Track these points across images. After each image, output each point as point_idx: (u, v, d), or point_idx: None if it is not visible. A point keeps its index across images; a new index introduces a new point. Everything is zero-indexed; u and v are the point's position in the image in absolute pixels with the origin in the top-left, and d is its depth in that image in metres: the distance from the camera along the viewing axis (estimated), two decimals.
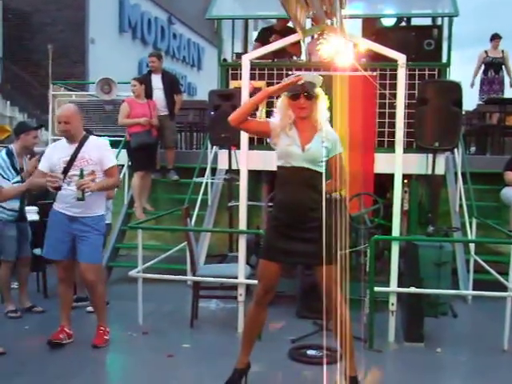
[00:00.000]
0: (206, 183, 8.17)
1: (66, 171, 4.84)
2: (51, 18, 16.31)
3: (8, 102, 15.12)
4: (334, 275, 3.86)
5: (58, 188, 4.73)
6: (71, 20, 16.48)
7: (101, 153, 4.96)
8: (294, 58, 7.95)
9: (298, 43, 7.73)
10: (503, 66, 10.92)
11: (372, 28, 8.12)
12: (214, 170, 8.23)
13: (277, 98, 4.09)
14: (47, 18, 16.30)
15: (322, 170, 3.91)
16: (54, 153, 5.00)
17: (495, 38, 10.94)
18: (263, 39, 8.16)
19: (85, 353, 4.94)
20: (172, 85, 8.90)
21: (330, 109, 4.10)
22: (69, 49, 16.20)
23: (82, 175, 4.74)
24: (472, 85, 11.05)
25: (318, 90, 3.95)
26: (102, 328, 5.16)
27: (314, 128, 3.96)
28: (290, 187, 3.91)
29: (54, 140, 9.53)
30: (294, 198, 3.88)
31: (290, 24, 7.84)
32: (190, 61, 23.71)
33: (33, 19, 16.35)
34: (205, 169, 8.26)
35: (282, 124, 3.94)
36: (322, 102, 3.96)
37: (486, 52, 10.94)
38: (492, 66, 10.89)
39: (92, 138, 5.06)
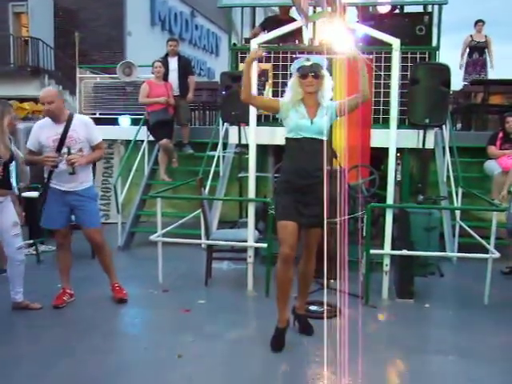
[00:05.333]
0: (218, 156, 8.16)
1: (58, 150, 4.74)
2: (95, 15, 16.89)
3: (60, 87, 15.47)
4: (318, 236, 4.10)
5: (56, 166, 4.74)
6: (111, 16, 17.12)
7: (88, 131, 4.84)
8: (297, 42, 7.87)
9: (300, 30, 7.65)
10: (486, 50, 10.79)
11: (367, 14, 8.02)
12: (225, 145, 8.22)
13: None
14: (92, 15, 16.86)
15: (325, 138, 4.03)
16: (42, 132, 4.81)
17: (478, 22, 10.79)
18: (266, 26, 8.10)
19: (111, 308, 5.01)
20: (186, 67, 8.83)
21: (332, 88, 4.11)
22: (110, 41, 16.99)
23: (69, 152, 4.70)
24: (461, 66, 10.92)
25: (324, 72, 4.05)
26: (116, 285, 5.20)
27: (319, 103, 4.09)
28: (301, 155, 3.99)
29: None
30: (305, 163, 3.97)
31: (292, 14, 7.79)
32: (209, 48, 24.26)
33: (79, 16, 16.87)
34: (217, 143, 8.24)
35: (293, 100, 4.05)
36: (327, 81, 4.07)
37: (471, 36, 10.79)
38: (476, 49, 10.75)
39: (77, 116, 4.91)
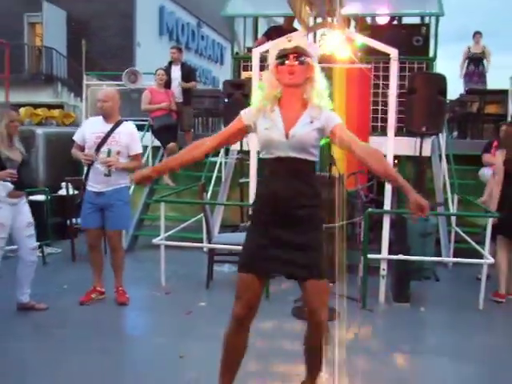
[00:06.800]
0: (220, 162, 8.20)
1: (98, 148, 4.83)
2: (106, 26, 17.15)
3: (72, 94, 15.86)
4: (323, 294, 2.81)
5: (92, 164, 4.85)
6: (122, 27, 17.41)
7: (130, 139, 4.93)
8: None
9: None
10: (484, 61, 10.87)
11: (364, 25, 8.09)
12: (227, 151, 8.25)
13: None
14: (103, 26, 17.11)
15: (314, 157, 2.80)
16: (88, 127, 5.01)
17: (476, 34, 10.87)
18: (270, 36, 8.13)
19: (115, 309, 5.02)
20: (189, 75, 8.87)
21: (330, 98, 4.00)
22: (120, 51, 17.19)
23: (109, 154, 4.78)
24: (460, 76, 11.01)
25: (314, 62, 2.85)
26: (121, 288, 5.20)
27: (303, 105, 2.81)
28: (277, 179, 2.76)
29: None
30: (279, 194, 2.74)
31: (296, 25, 7.82)
32: (215, 57, 24.53)
33: (91, 26, 17.07)
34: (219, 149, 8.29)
35: (265, 100, 2.81)
36: (317, 76, 2.83)
37: (468, 48, 10.88)
38: (472, 61, 10.84)
39: (126, 123, 4.99)
